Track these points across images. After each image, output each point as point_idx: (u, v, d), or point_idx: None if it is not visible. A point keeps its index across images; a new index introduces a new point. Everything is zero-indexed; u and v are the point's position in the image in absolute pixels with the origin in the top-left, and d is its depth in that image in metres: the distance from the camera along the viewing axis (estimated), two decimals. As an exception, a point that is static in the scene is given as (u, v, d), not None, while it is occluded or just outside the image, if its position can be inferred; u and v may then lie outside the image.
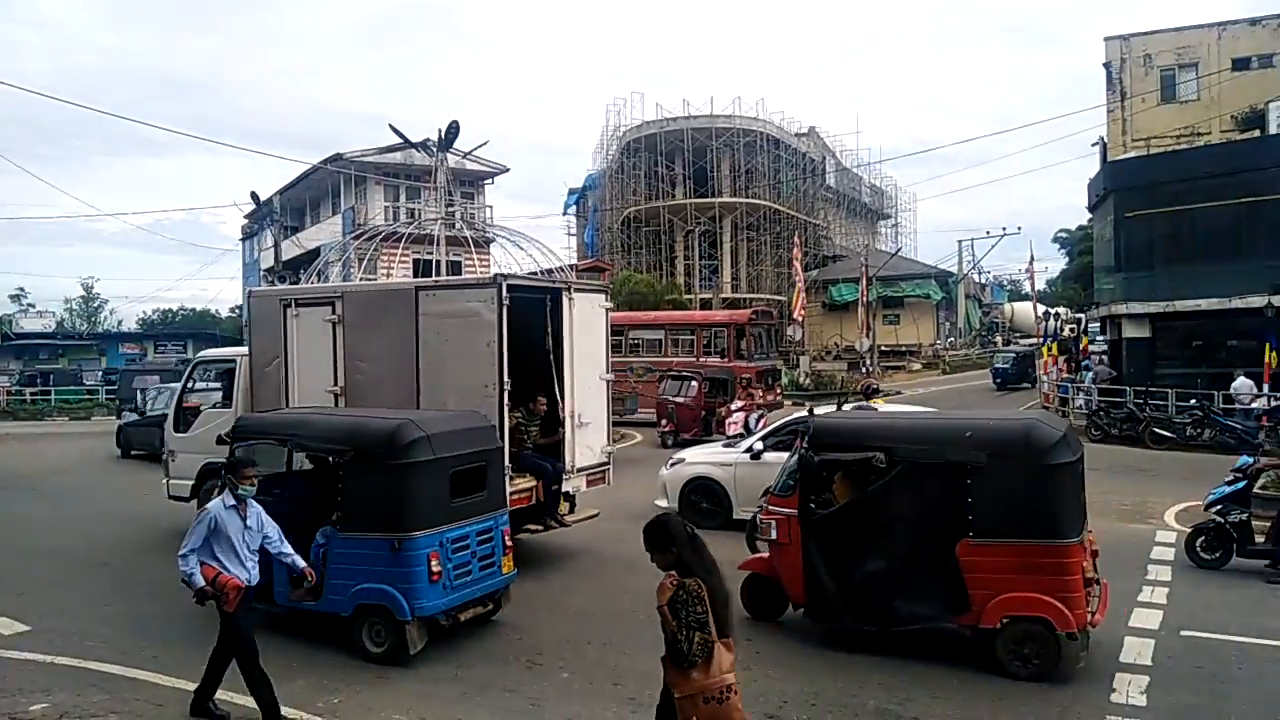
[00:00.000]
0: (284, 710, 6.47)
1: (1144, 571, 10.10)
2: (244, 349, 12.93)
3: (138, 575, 10.54)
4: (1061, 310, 48.91)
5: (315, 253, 37.48)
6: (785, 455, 10.47)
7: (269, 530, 6.65)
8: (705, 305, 47.00)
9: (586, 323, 11.40)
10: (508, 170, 43.02)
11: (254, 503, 6.54)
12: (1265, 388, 20.55)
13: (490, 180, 44.02)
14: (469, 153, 32.04)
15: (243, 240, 58.37)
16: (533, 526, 10.89)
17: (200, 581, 6.19)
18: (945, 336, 61.44)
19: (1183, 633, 8.03)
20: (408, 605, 7.36)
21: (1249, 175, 23.78)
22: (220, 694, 6.65)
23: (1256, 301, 22.43)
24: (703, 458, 13.44)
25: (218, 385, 13.90)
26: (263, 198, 42.05)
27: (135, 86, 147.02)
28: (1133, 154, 32.32)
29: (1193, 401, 21.81)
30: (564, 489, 11.02)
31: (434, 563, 7.52)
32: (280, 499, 8.35)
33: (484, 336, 10.02)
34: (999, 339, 68.21)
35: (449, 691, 6.87)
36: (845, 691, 6.79)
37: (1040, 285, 60.49)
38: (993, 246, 58.94)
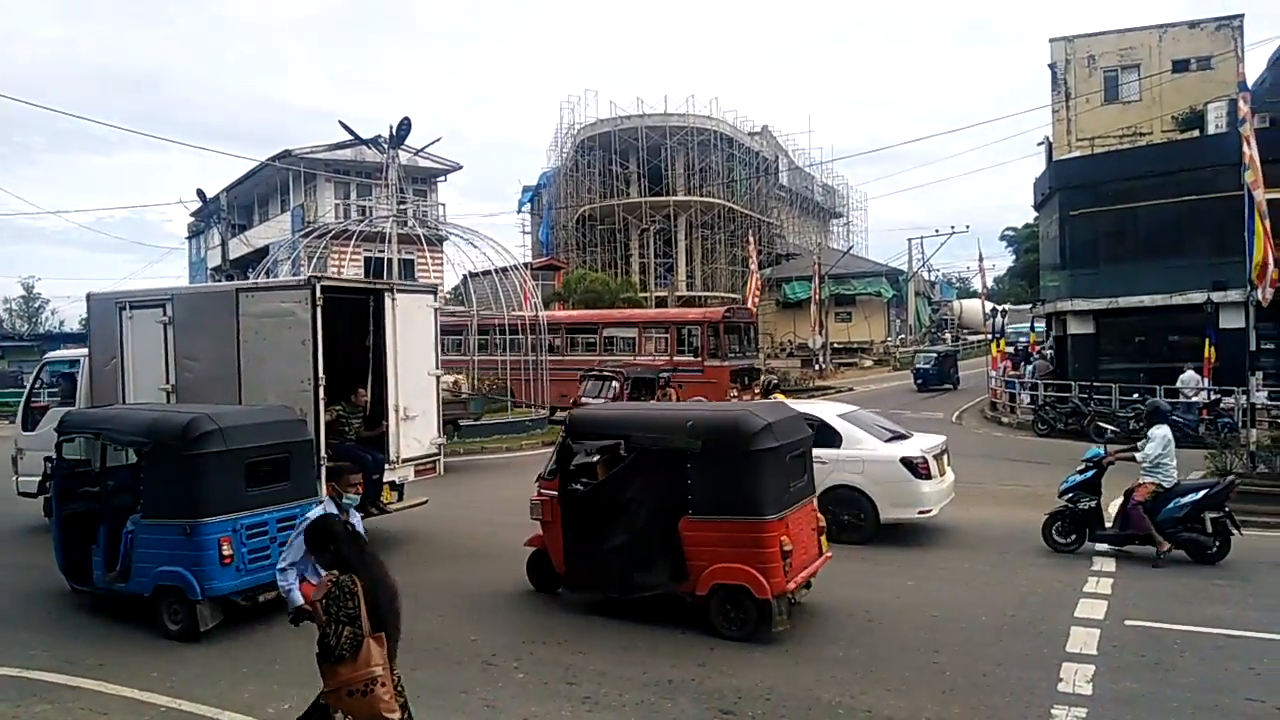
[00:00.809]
0: (232, 716, 6.38)
1: (1089, 562, 10.32)
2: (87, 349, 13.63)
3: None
4: (1008, 307, 49.75)
5: (264, 251, 36.87)
6: None
7: None
8: (661, 303, 47.13)
9: (412, 321, 12.10)
10: (461, 167, 42.75)
11: (355, 513, 6.01)
12: (1206, 381, 21.07)
13: (443, 177, 43.67)
14: (421, 149, 31.76)
15: (189, 239, 57.27)
16: None
17: (299, 599, 5.59)
18: (896, 333, 62.20)
19: (1127, 622, 8.20)
20: (199, 586, 7.98)
21: (1189, 175, 24.36)
22: (186, 705, 6.52)
23: (1197, 298, 22.99)
24: None
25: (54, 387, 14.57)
26: (210, 195, 41.35)
27: (81, 82, 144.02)
28: (1077, 153, 32.95)
29: (1135, 396, 22.30)
30: (392, 479, 11.75)
31: (225, 547, 8.11)
32: (107, 490, 9.18)
33: (299, 335, 10.73)
34: (948, 335, 69.26)
35: (402, 694, 6.80)
36: (800, 686, 6.83)
37: (988, 283, 61.45)
38: (942, 245, 59.97)
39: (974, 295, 72.28)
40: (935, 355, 40.44)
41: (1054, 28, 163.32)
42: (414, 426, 12.05)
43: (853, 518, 11.45)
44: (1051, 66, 37.34)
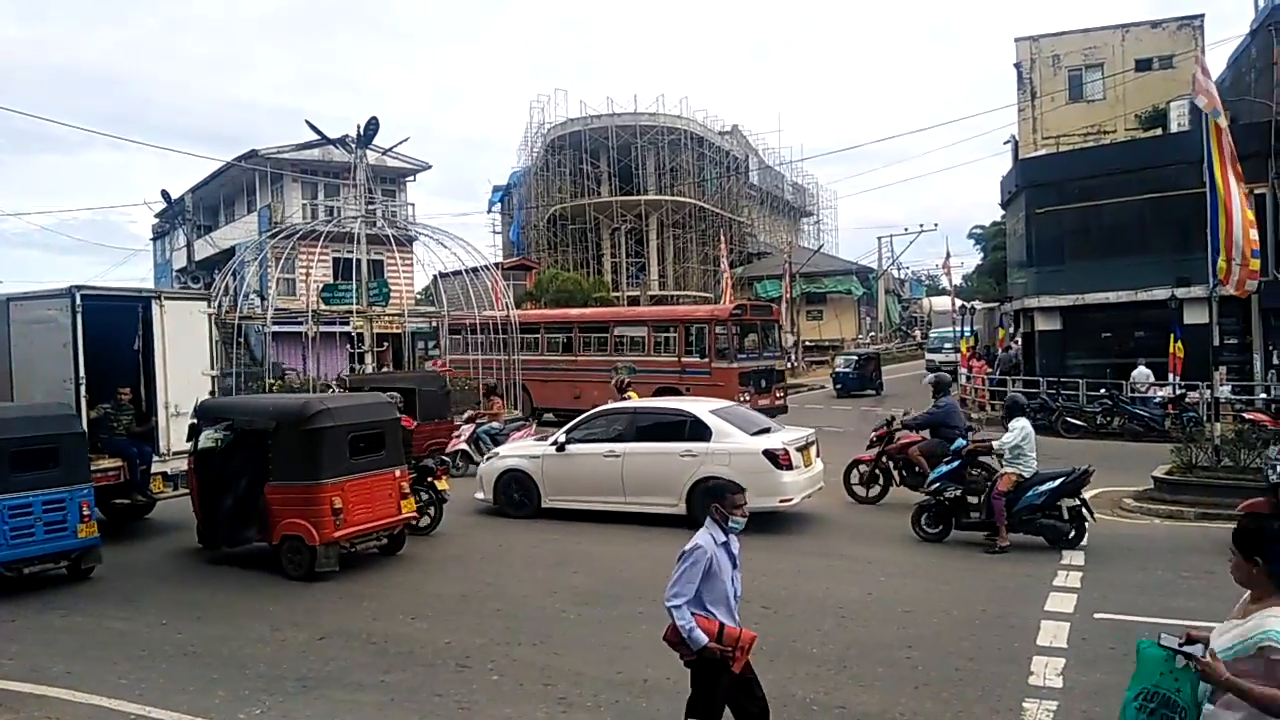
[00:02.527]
0: (203, 723, 6.30)
1: (1059, 556, 10.42)
2: None
3: (45, 587, 10.12)
4: (977, 304, 50.19)
5: (230, 252, 36.48)
6: (589, 447, 12.95)
7: None
8: (633, 302, 47.12)
9: (183, 326, 13.23)
10: (430, 167, 42.47)
11: (735, 539, 5.22)
12: (1173, 377, 21.36)
13: (412, 177, 43.38)
14: (390, 149, 31.49)
15: (154, 240, 56.48)
16: (120, 500, 12.59)
17: (703, 638, 4.85)
18: (867, 331, 62.60)
19: (1096, 615, 8.29)
20: None
21: (1153, 172, 24.70)
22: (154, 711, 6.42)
23: (1161, 294, 23.34)
24: (515, 451, 14.17)
25: None
26: (174, 196, 40.78)
27: (41, 81, 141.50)
28: (1043, 152, 33.32)
29: (1102, 391, 22.58)
30: (164, 470, 12.85)
31: None
32: None
33: (61, 339, 11.83)
34: (917, 333, 69.80)
35: (375, 698, 6.75)
36: (774, 683, 6.82)
37: (956, 280, 62.00)
38: (911, 243, 60.52)
39: (943, 293, 72.94)
40: (856, 359, 36.84)
41: (1020, 27, 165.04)
42: (186, 422, 12.88)
43: None
44: (1017, 66, 37.73)
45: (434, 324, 32.08)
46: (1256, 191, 22.37)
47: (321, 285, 25.69)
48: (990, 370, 29.85)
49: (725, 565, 5.08)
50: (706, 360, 23.71)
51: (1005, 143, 34.73)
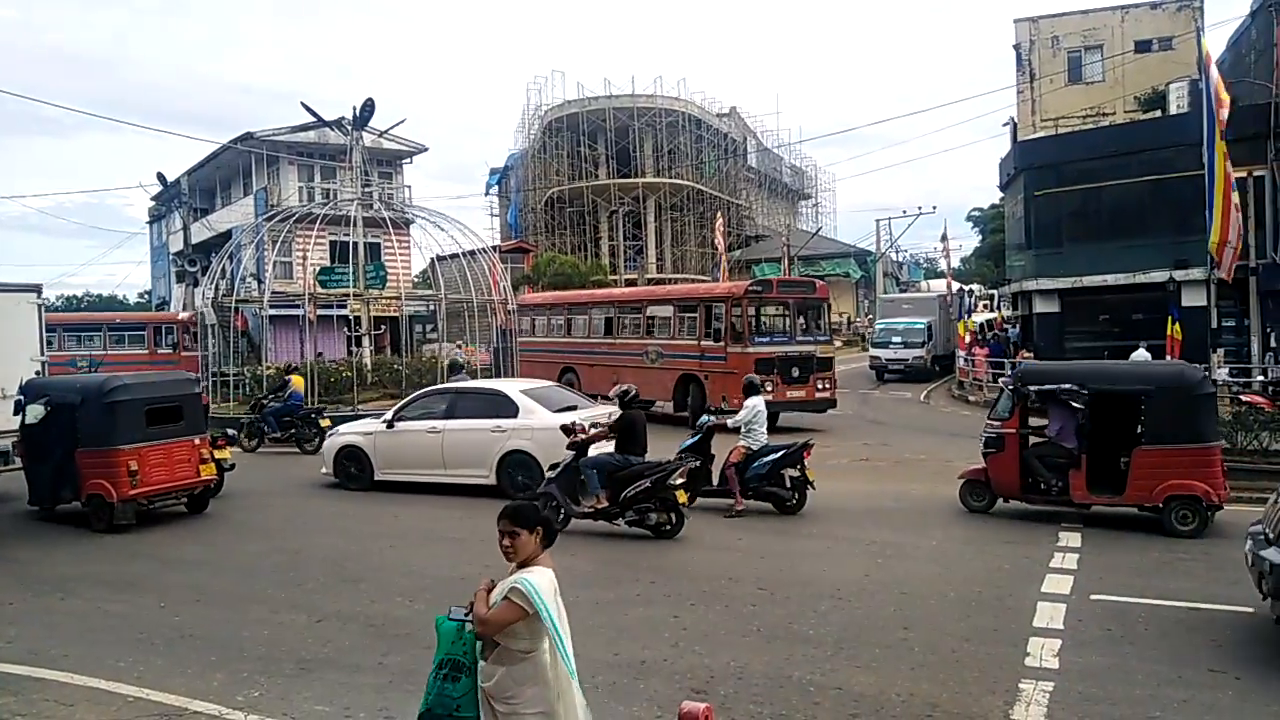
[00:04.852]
0: (202, 705, 6.30)
1: (1055, 539, 10.43)
2: None
3: (44, 571, 10.13)
4: (976, 287, 50.11)
5: (227, 235, 36.34)
6: (416, 424, 14.00)
7: None
8: (631, 286, 47.06)
9: (10, 315, 14.35)
10: (426, 149, 42.30)
11: None
12: (1169, 359, 21.32)
13: (409, 160, 43.22)
14: (385, 131, 31.37)
15: (150, 223, 56.34)
16: None
17: None
18: (864, 314, 62.57)
19: (1092, 597, 8.31)
20: None
21: (1152, 154, 24.65)
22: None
23: (1159, 276, 23.32)
24: (352, 429, 15.12)
25: None
26: (170, 179, 40.64)
27: (34, 63, 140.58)
28: (1042, 134, 33.21)
29: (1100, 374, 22.55)
30: None
31: None
32: None
33: None
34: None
35: (373, 680, 6.75)
36: (771, 664, 6.86)
37: (955, 263, 61.96)
38: (909, 225, 60.45)
39: (940, 276, 72.92)
40: None
41: (1019, 8, 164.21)
42: (11, 404, 13.49)
43: (525, 478, 12.96)
44: (1016, 47, 37.58)
45: (431, 306, 32.04)
46: (1256, 173, 22.34)
47: (318, 268, 25.61)
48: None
49: None
50: (722, 344, 21.25)
51: (1004, 125, 34.63)
